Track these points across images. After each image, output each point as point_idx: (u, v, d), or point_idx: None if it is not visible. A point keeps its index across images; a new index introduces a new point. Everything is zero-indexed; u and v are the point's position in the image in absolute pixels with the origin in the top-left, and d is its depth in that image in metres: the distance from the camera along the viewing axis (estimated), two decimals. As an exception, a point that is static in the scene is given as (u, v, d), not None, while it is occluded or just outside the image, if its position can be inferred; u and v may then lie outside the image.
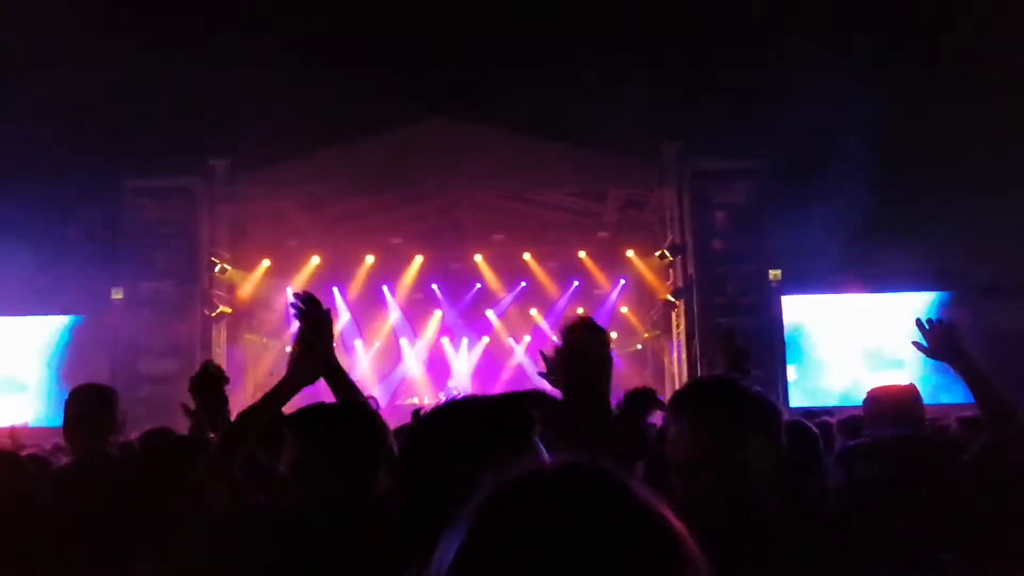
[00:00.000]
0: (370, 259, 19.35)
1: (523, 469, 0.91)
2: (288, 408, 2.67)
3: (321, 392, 2.85)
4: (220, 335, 15.58)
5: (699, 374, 14.61)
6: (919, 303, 15.42)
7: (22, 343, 15.26)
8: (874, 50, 13.29)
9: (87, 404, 3.68)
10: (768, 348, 14.45)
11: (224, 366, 16.05)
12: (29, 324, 15.34)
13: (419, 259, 19.73)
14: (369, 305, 20.82)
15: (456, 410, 1.66)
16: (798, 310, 15.38)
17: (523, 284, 20.57)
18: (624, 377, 20.74)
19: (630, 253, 18.10)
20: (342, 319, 20.81)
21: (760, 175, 14.97)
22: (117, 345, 14.70)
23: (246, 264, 16.85)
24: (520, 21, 13.92)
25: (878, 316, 15.24)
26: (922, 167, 13.67)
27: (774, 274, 15.03)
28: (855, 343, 15.11)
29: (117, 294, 14.75)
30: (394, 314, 21.28)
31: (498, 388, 20.08)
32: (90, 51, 12.35)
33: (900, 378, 14.59)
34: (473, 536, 0.85)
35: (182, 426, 4.49)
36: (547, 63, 14.26)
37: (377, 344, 21.70)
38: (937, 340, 3.03)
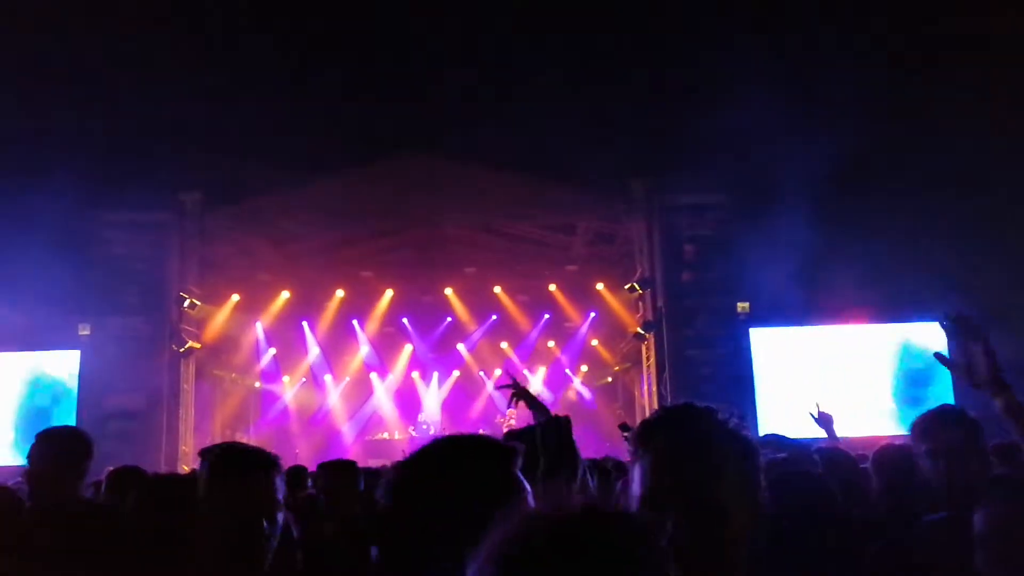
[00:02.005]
0: (340, 293, 19.31)
1: (534, 513, 0.89)
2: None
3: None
4: (188, 371, 15.44)
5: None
6: (888, 335, 15.62)
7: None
8: (840, 85, 13.54)
9: (62, 449, 3.57)
10: (736, 380, 14.57)
11: (192, 401, 15.89)
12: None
13: (389, 293, 19.71)
14: (339, 339, 20.74)
15: (440, 449, 1.65)
16: (766, 343, 15.50)
17: (494, 317, 20.59)
18: (595, 411, 20.78)
19: (600, 286, 18.20)
20: (311, 354, 20.71)
21: (728, 209, 15.16)
22: (83, 381, 14.51)
23: (215, 299, 16.75)
24: (490, 56, 14.06)
25: (847, 349, 15.40)
26: (891, 200, 13.88)
27: (742, 307, 15.17)
28: (823, 376, 15.24)
29: (84, 330, 14.58)
30: (364, 348, 21.20)
31: (469, 422, 20.01)
32: (59, 83, 12.33)
33: (870, 410, 14.80)
34: None
35: (148, 463, 4.46)
36: (517, 98, 14.38)
37: (347, 379, 21.59)
38: (979, 369, 2.69)
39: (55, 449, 3.55)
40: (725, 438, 1.66)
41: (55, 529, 3.23)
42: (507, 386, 3.93)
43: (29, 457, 3.56)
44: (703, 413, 1.72)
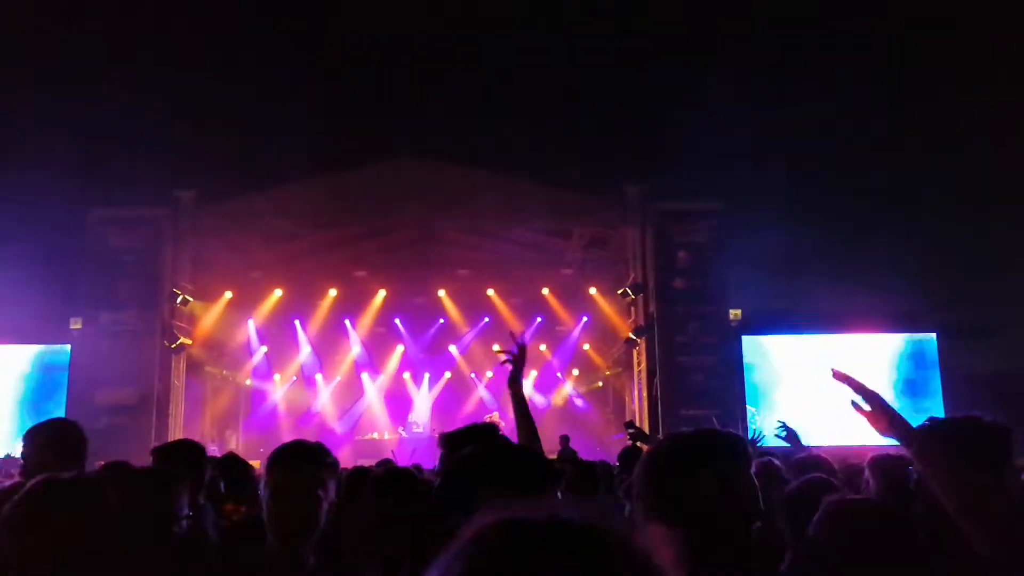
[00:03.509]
0: (333, 292, 19.29)
1: (514, 514, 0.87)
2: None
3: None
4: (180, 367, 15.42)
5: (659, 412, 14.70)
6: (884, 344, 15.67)
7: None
8: (839, 90, 13.60)
9: (54, 441, 3.57)
10: (727, 387, 14.61)
11: (182, 398, 15.87)
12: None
13: (382, 293, 19.70)
14: (331, 338, 20.71)
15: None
16: (757, 350, 15.54)
17: (486, 320, 20.58)
18: (586, 415, 20.80)
19: (593, 291, 18.22)
20: (303, 352, 20.68)
21: (721, 216, 15.20)
22: (73, 375, 14.49)
23: (208, 296, 16.72)
24: (488, 61, 14.10)
25: (838, 357, 15.45)
26: (889, 210, 13.95)
27: (734, 314, 15.21)
28: (814, 384, 15.27)
29: (76, 324, 14.56)
30: (356, 348, 21.17)
31: (458, 424, 19.96)
32: (55, 79, 12.32)
33: (858, 419, 14.78)
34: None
35: (138, 458, 4.46)
36: (513, 103, 14.43)
37: (338, 378, 21.55)
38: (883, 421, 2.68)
39: (50, 442, 3.55)
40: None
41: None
42: (508, 353, 3.90)
43: (24, 451, 3.56)
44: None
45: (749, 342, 15.45)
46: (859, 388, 2.34)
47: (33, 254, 12.88)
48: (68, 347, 14.64)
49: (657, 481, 1.82)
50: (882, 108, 13.90)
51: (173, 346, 15.04)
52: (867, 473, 3.75)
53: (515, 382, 3.85)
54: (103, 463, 3.78)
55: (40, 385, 14.74)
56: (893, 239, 14.12)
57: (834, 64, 13.32)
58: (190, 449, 4.10)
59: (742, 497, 1.79)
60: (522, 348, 3.91)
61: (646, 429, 12.34)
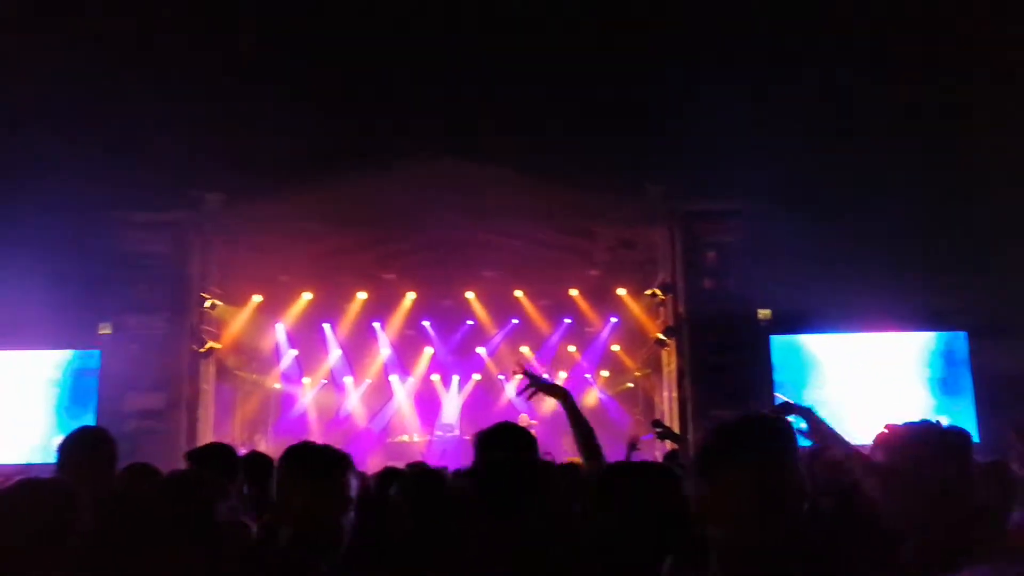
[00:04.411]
0: (362, 295, 19.32)
1: None
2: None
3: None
4: (208, 371, 15.49)
5: (688, 414, 14.59)
6: (914, 342, 15.47)
7: (7, 378, 15.05)
8: (873, 85, 13.41)
9: (85, 449, 3.58)
10: (758, 388, 14.44)
11: (212, 402, 15.94)
12: (19, 359, 15.14)
13: (411, 296, 19.71)
14: (360, 341, 20.76)
15: None
16: (787, 350, 15.38)
17: (515, 321, 20.55)
18: (615, 417, 20.71)
19: (621, 291, 18.11)
20: (332, 355, 20.74)
21: (750, 215, 15.05)
22: (103, 380, 14.58)
23: (236, 300, 16.79)
24: (511, 60, 14.04)
25: (870, 357, 15.27)
26: (919, 206, 13.73)
27: (764, 314, 15.05)
28: (845, 384, 15.09)
29: (105, 328, 14.65)
30: (385, 351, 21.21)
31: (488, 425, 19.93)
32: (80, 83, 12.41)
33: (893, 418, 14.61)
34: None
35: (168, 463, 4.46)
36: (537, 102, 14.37)
37: (368, 381, 21.61)
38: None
39: (82, 450, 3.56)
40: None
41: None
42: (526, 388, 3.95)
43: (59, 458, 3.57)
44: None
45: (779, 342, 15.28)
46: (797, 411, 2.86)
47: (61, 259, 12.98)
48: (98, 352, 14.72)
49: (707, 467, 1.86)
50: (915, 103, 13.70)
51: (202, 350, 15.11)
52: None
53: (539, 387, 3.87)
54: (125, 466, 3.79)
55: (71, 390, 14.83)
56: (925, 236, 13.91)
57: (870, 57, 13.12)
58: (223, 452, 4.10)
59: (789, 481, 1.79)
60: (532, 376, 3.96)
61: (676, 431, 12.24)
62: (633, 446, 12.03)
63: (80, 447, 3.61)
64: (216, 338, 15.75)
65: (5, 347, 14.81)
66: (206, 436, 14.79)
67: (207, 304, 15.24)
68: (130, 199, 14.28)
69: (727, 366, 14.77)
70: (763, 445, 1.81)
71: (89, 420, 13.36)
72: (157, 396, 14.26)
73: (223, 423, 16.35)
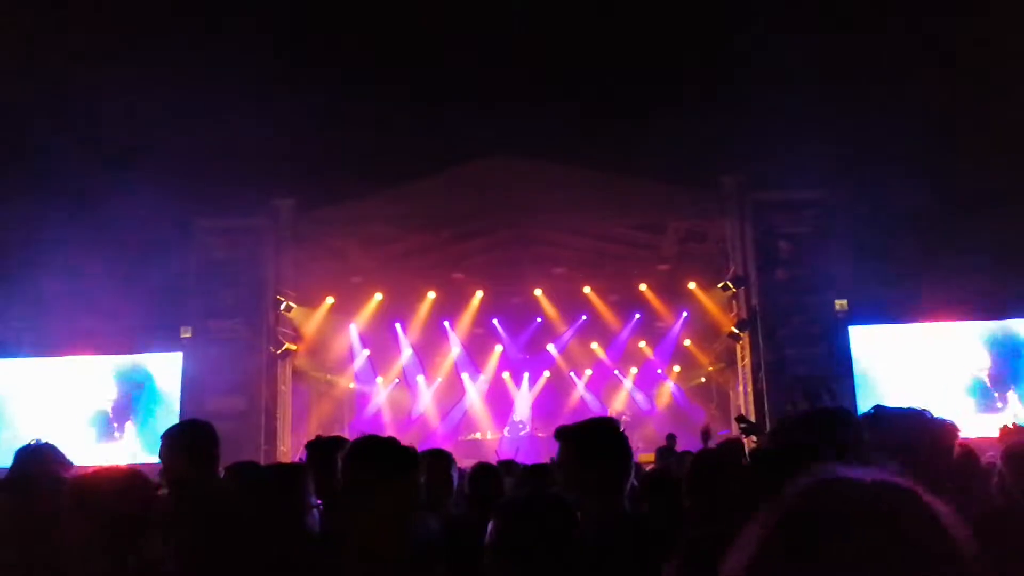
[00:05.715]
0: (431, 295, 19.46)
1: (828, 477, 0.91)
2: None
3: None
4: (285, 372, 15.76)
5: (765, 406, 14.37)
6: (987, 331, 15.08)
7: (95, 382, 15.54)
8: (942, 78, 13.04)
9: (187, 444, 3.66)
10: (836, 380, 14.14)
11: (289, 403, 16.15)
12: (94, 364, 15.60)
13: (479, 294, 19.78)
14: (431, 340, 20.93)
15: None
16: (866, 341, 15.04)
17: (584, 318, 20.49)
18: (689, 412, 20.51)
19: (692, 285, 17.90)
20: (404, 355, 20.95)
21: (824, 205, 14.76)
22: (185, 383, 14.95)
23: (310, 301, 17.06)
24: (578, 57, 13.98)
25: (947, 345, 14.90)
26: (992, 193, 13.32)
27: (840, 304, 14.73)
28: (925, 374, 14.73)
29: (186, 332, 15.01)
30: (455, 349, 21.35)
31: (560, 422, 19.94)
32: (158, 95, 12.72)
33: (968, 408, 14.28)
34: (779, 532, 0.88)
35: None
36: (605, 98, 14.28)
37: (439, 379, 21.78)
38: None
39: (183, 444, 3.64)
40: None
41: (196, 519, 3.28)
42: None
43: (161, 454, 3.66)
44: None
45: (857, 332, 14.96)
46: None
47: (143, 265, 13.33)
48: (179, 355, 15.09)
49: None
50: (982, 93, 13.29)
51: (279, 352, 15.38)
52: (1001, 465, 3.56)
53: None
54: (226, 466, 3.86)
55: (152, 393, 15.24)
56: (993, 224, 13.47)
57: (949, 48, 12.74)
58: (328, 444, 4.11)
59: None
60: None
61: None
62: (707, 436, 11.96)
63: (179, 440, 3.68)
64: (292, 340, 16.02)
65: (88, 352, 15.31)
66: (284, 437, 15.07)
67: (282, 306, 15.51)
68: (207, 207, 14.64)
69: (804, 358, 14.51)
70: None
71: (171, 422, 13.70)
72: (237, 398, 14.56)
73: (300, 424, 16.61)
